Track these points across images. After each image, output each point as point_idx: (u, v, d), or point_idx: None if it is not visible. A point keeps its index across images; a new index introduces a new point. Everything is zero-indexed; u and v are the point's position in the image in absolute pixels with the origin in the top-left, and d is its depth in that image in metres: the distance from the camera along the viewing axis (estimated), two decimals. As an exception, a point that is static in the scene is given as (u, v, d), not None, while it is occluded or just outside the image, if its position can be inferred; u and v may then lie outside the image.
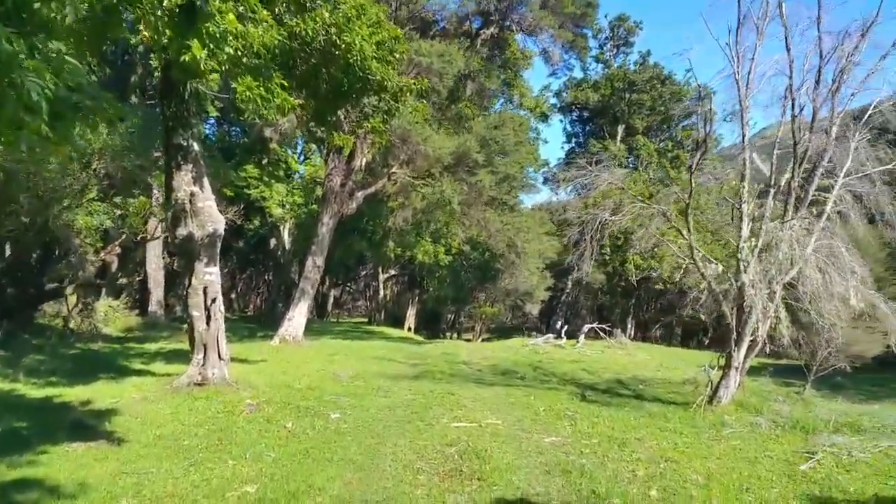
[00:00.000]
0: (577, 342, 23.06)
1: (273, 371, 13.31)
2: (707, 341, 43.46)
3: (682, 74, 35.87)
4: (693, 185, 10.23)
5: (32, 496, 5.49)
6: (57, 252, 24.52)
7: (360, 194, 20.12)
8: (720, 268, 10.01)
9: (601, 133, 35.23)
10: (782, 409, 9.85)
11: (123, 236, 25.28)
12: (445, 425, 8.75)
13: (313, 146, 32.84)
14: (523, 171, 24.52)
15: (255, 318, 40.08)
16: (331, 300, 51.39)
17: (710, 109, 10.16)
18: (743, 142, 10.23)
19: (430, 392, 11.39)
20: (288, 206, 32.05)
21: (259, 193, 29.71)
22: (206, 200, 11.29)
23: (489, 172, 19.69)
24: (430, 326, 44.62)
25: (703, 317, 42.83)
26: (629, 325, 31.37)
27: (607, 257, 29.58)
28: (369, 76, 10.28)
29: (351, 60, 9.61)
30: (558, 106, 38.42)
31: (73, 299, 27.30)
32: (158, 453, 6.91)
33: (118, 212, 22.83)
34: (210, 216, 11.26)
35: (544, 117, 32.55)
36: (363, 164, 19.61)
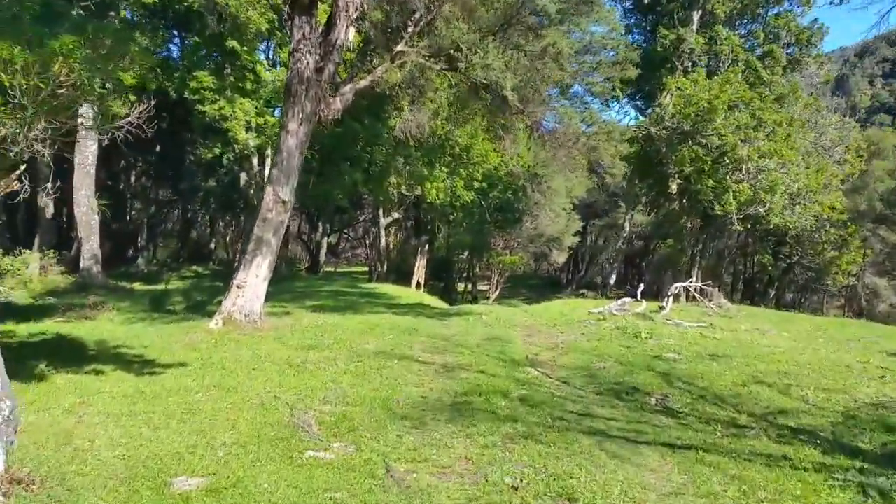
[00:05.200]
0: (663, 308, 16.25)
1: (174, 404, 6.47)
2: (774, 297, 36.79)
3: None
4: None
5: None
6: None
7: (347, 89, 12.83)
8: None
9: (671, 23, 27.21)
10: None
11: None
12: None
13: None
14: (616, 41, 16.14)
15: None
16: (324, 249, 44.39)
17: None
18: None
19: (511, 492, 4.56)
20: (259, 131, 24.64)
21: (217, 111, 22.20)
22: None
23: (565, 34, 11.62)
24: (442, 278, 37.97)
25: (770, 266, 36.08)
26: (695, 279, 24.38)
27: (676, 187, 22.34)
28: None
29: None
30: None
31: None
32: None
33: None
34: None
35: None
36: (349, 37, 12.24)
